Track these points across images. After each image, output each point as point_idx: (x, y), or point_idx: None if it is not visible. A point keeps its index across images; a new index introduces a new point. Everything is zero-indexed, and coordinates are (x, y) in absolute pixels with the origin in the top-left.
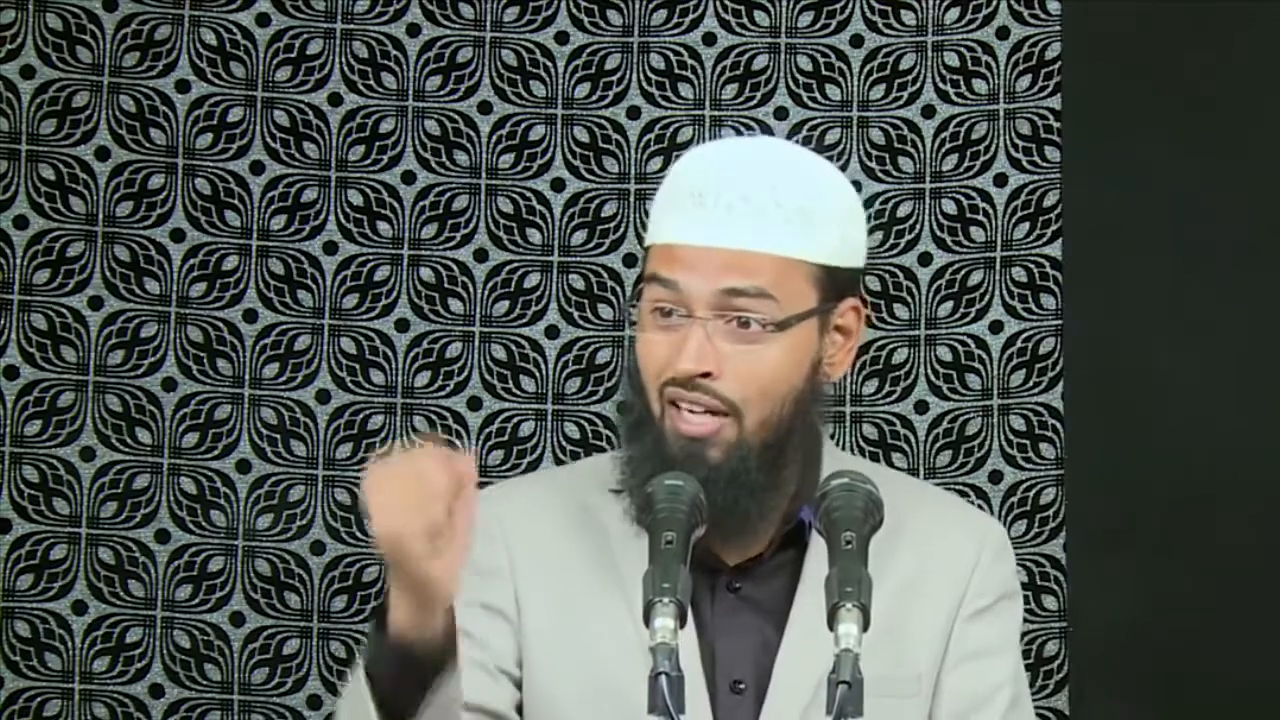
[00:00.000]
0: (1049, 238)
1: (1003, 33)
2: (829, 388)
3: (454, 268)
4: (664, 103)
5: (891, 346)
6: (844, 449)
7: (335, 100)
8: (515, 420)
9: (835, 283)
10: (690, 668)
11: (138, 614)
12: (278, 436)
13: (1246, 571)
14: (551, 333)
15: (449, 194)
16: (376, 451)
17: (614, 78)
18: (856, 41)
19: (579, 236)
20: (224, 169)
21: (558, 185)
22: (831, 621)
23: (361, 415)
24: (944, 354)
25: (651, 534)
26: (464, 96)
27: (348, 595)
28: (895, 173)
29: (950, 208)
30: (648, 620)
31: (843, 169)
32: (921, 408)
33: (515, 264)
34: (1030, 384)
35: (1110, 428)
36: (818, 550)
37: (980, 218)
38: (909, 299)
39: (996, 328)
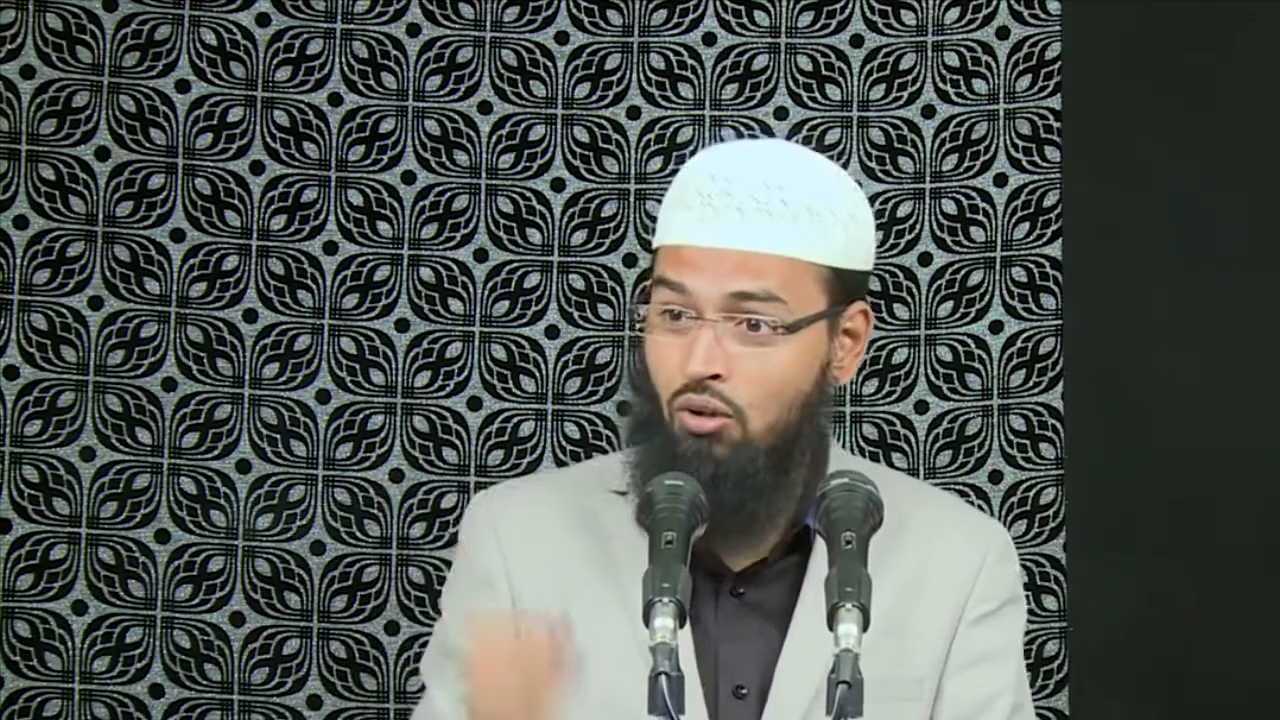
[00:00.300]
0: (1049, 238)
1: (1003, 33)
2: (833, 391)
3: (454, 268)
4: (664, 103)
5: (891, 346)
6: (844, 449)
7: (335, 100)
8: (515, 420)
9: (844, 285)
10: (693, 673)
11: (138, 614)
12: (278, 436)
13: (1246, 571)
14: (551, 333)
15: (449, 194)
16: (490, 618)
17: (614, 78)
18: (856, 41)
19: (579, 236)
20: (224, 169)
21: (558, 185)
22: (831, 621)
23: (361, 415)
24: (944, 354)
25: (651, 534)
26: (464, 96)
27: (348, 595)
28: (895, 173)
29: (950, 208)
30: (647, 620)
31: (843, 169)
32: (921, 408)
33: (515, 264)
34: (1030, 384)
35: (1110, 428)
36: (821, 555)
37: (980, 218)
38: (909, 299)
39: (996, 328)
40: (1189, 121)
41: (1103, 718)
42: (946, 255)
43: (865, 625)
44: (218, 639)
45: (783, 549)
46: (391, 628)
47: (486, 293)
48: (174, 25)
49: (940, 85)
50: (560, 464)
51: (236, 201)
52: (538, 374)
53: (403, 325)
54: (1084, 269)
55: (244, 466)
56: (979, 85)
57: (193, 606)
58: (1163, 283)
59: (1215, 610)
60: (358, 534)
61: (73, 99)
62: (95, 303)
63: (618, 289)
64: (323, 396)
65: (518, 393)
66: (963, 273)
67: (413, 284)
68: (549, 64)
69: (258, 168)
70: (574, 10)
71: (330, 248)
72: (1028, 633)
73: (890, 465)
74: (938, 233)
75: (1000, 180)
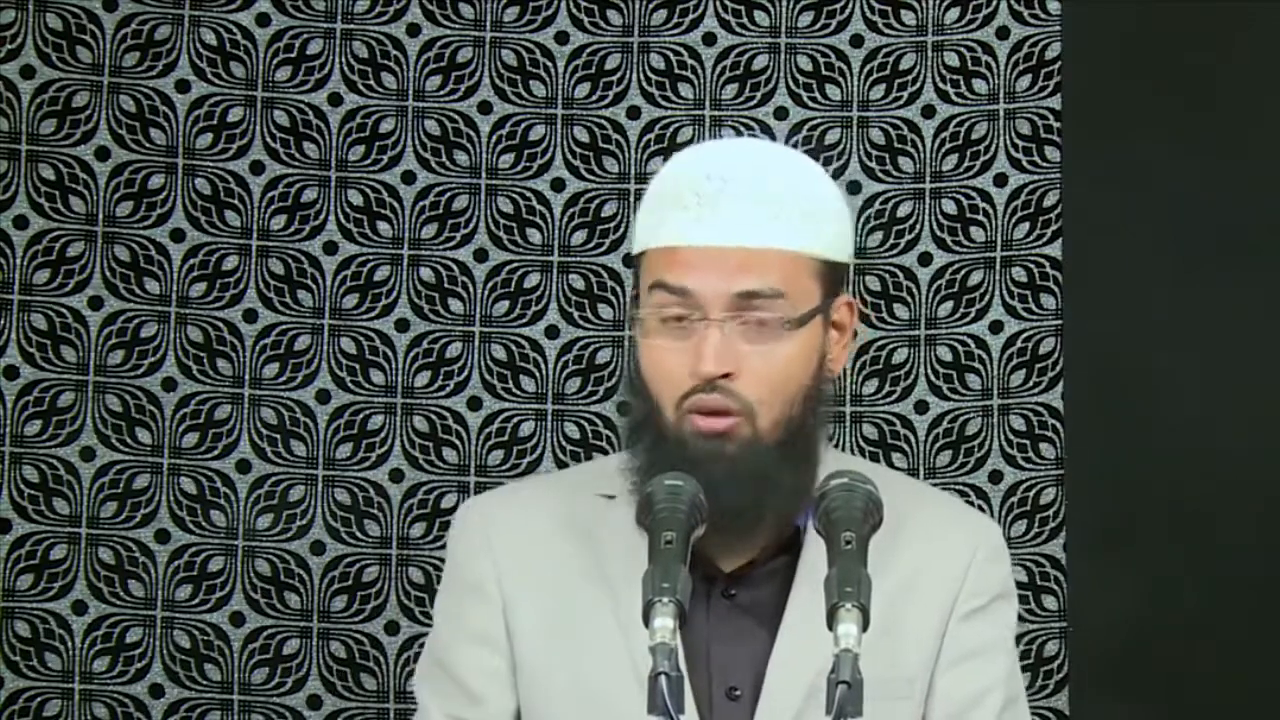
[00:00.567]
0: (1049, 238)
1: (1003, 33)
2: (830, 386)
3: (454, 268)
4: (664, 103)
5: (891, 346)
6: (844, 449)
7: (335, 100)
8: (515, 420)
9: (833, 277)
10: (686, 675)
11: (138, 614)
12: (278, 436)
13: (1246, 571)
14: (551, 333)
15: (449, 194)
16: None
17: (614, 78)
18: (856, 41)
19: (579, 236)
20: (224, 169)
21: (558, 185)
22: (831, 621)
23: (361, 415)
24: (944, 354)
25: (651, 534)
26: (464, 96)
27: (348, 595)
28: (895, 173)
29: (950, 208)
30: (647, 620)
31: (843, 169)
32: (921, 408)
33: (515, 264)
34: (1030, 384)
35: (1110, 428)
36: (810, 555)
37: (980, 218)
38: (909, 299)
39: (996, 328)
40: (1189, 121)
41: (1103, 718)
42: (946, 255)
43: (865, 625)
44: (218, 639)
45: (773, 549)
46: (391, 628)
47: (486, 293)
48: (174, 25)
49: (940, 85)
50: (560, 464)
51: (236, 201)
52: (538, 374)
53: (403, 325)
54: (1084, 269)
55: (244, 466)
56: (979, 85)
57: (193, 606)
58: (1163, 283)
59: (1215, 610)
60: (358, 534)
61: (73, 99)
62: (95, 303)
63: (618, 289)
64: (323, 396)
65: (518, 393)
66: (963, 273)
67: (413, 284)
68: (549, 64)
69: (258, 168)
70: (574, 10)
71: (330, 248)
72: (1028, 633)
73: (890, 465)
74: (938, 233)
75: (1000, 180)
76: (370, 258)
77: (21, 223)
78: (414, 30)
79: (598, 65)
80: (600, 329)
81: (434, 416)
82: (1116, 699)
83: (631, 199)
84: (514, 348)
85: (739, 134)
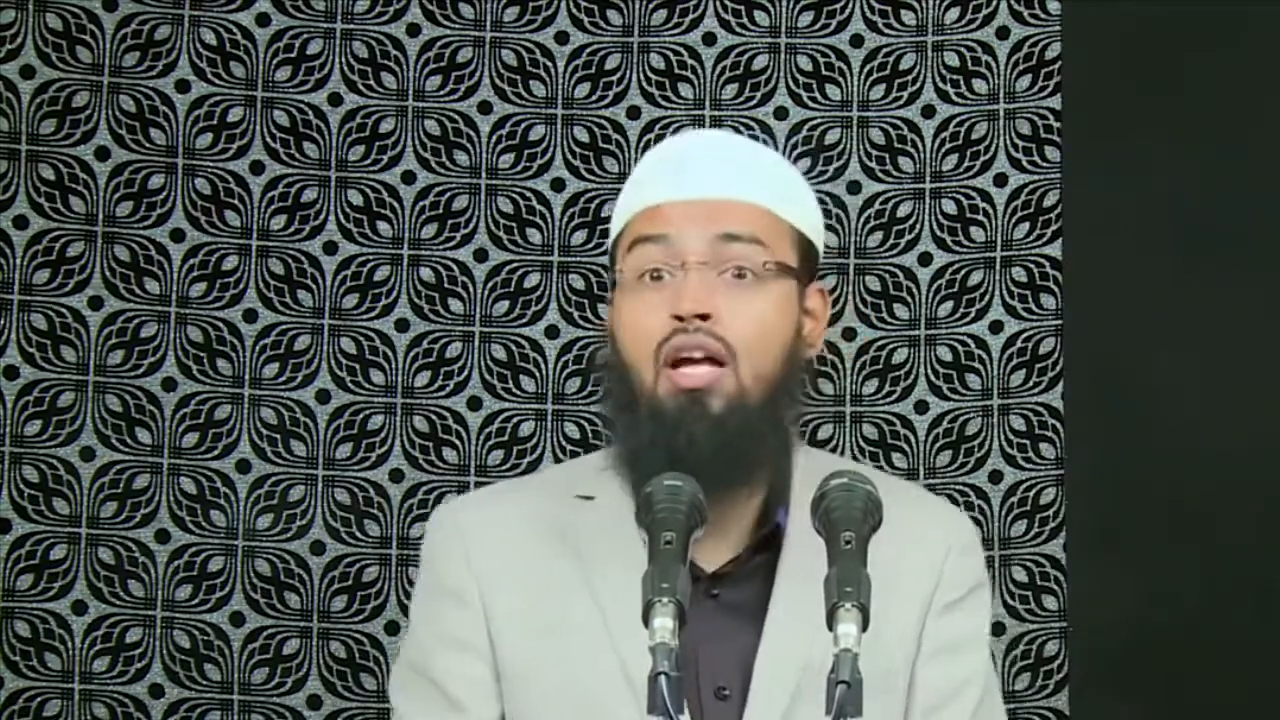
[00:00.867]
0: (1049, 238)
1: (1003, 33)
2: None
3: (454, 268)
4: (664, 103)
5: (891, 346)
6: (844, 449)
7: (335, 100)
8: (515, 420)
9: (809, 257)
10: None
11: (138, 614)
12: (278, 436)
13: (1246, 571)
14: (551, 333)
15: (449, 194)
16: None
17: (614, 78)
18: (856, 41)
19: (579, 236)
20: (224, 169)
21: (558, 185)
22: (831, 621)
23: (361, 415)
24: (944, 354)
25: (651, 534)
26: (464, 96)
27: (348, 595)
28: (895, 173)
29: (950, 208)
30: (647, 620)
31: (843, 169)
32: (921, 408)
33: (515, 264)
34: (1030, 384)
35: (1110, 428)
36: (791, 551)
37: (980, 218)
38: (909, 299)
39: (996, 328)
40: (1189, 121)
41: (1103, 718)
42: (946, 255)
43: (865, 625)
44: (218, 639)
45: (754, 547)
46: (391, 628)
47: (486, 293)
48: (174, 25)
49: (940, 85)
50: (560, 464)
51: (236, 201)
52: (538, 374)
53: (403, 325)
54: (1084, 269)
55: (244, 466)
56: (979, 85)
57: (193, 606)
58: (1163, 283)
59: (1215, 610)
60: (358, 534)
61: (73, 99)
62: (95, 303)
63: None
64: (323, 396)
65: (518, 393)
66: (963, 273)
67: (413, 284)
68: (549, 64)
69: (258, 168)
70: (574, 10)
71: (330, 248)
72: (1028, 633)
73: (890, 465)
74: (938, 233)
75: (1000, 180)
76: (370, 258)
77: (21, 223)
78: (414, 30)
79: (598, 65)
80: (600, 329)
81: (434, 416)
82: (1116, 699)
83: None
84: (514, 348)
85: (737, 133)
